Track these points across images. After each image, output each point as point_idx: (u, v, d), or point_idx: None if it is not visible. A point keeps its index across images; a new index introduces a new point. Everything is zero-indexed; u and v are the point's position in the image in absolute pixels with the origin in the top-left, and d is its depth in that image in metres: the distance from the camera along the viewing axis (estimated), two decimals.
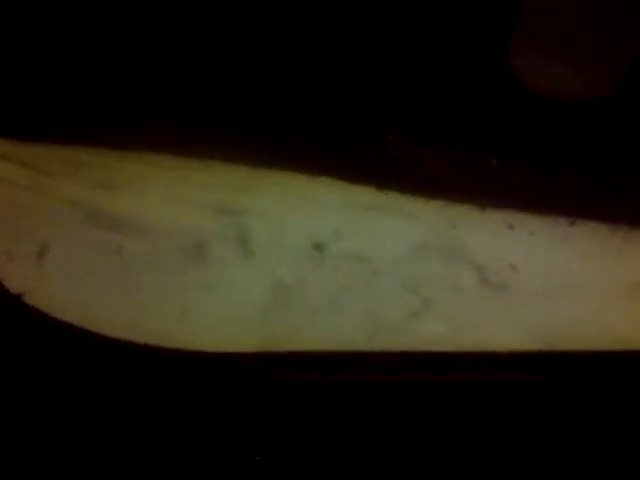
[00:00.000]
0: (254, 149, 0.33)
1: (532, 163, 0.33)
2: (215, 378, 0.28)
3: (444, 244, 0.31)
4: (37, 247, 0.30)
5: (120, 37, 0.37)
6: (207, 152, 0.33)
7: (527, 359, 0.28)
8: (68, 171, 0.33)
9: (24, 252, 0.30)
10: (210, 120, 0.35)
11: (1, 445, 0.27)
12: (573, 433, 0.28)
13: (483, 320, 0.29)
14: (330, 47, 0.36)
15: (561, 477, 0.28)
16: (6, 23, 0.37)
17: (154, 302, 0.29)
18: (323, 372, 0.28)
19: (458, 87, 0.35)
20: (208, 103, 0.35)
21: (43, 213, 0.31)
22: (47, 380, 0.27)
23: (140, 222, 0.31)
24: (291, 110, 0.34)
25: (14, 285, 0.29)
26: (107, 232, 0.31)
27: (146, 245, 0.30)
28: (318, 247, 0.31)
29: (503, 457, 0.27)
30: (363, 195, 0.32)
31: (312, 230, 0.31)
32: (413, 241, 0.31)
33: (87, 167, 0.33)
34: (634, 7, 0.32)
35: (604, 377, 0.28)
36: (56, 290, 0.29)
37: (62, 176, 0.33)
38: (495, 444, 0.28)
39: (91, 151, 0.34)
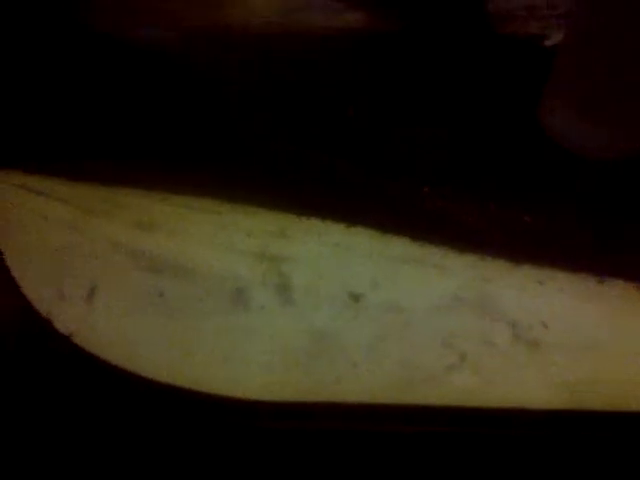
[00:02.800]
0: (293, 196, 0.35)
1: (563, 220, 0.34)
2: (252, 426, 0.29)
3: (477, 298, 0.32)
4: (86, 287, 0.31)
5: (163, 80, 0.38)
6: (247, 197, 0.35)
7: (555, 417, 0.29)
8: (110, 211, 0.34)
9: (73, 292, 0.31)
10: (251, 166, 0.36)
11: None
12: None
13: (515, 376, 0.30)
14: (372, 101, 0.37)
15: None
16: (49, 61, 0.38)
17: (196, 346, 0.30)
18: (360, 423, 0.29)
19: (493, 142, 0.36)
20: (249, 149, 0.36)
21: (89, 253, 0.32)
22: (92, 420, 0.28)
23: (182, 265, 0.32)
24: (331, 160, 0.36)
25: (63, 325, 0.30)
26: (150, 274, 0.32)
27: (188, 289, 0.31)
28: (354, 297, 0.32)
29: None
30: (398, 246, 0.33)
31: (349, 279, 0.32)
32: (447, 294, 0.32)
33: (128, 208, 0.34)
34: None
35: (630, 437, 0.29)
36: (103, 331, 0.30)
37: (104, 216, 0.34)
38: None
39: (132, 192, 0.35)
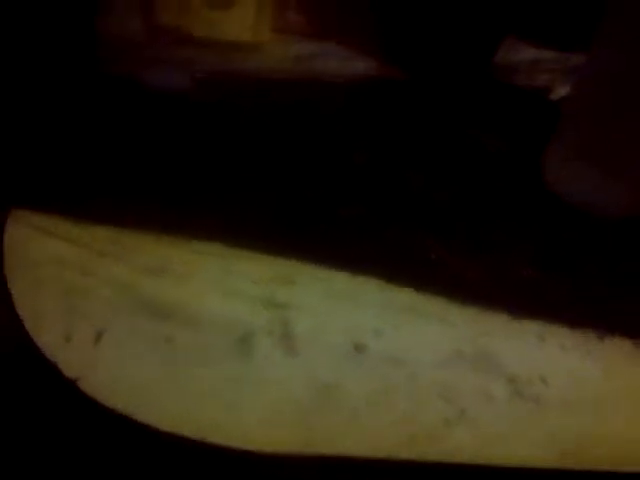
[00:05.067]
0: (301, 243, 0.35)
1: (565, 276, 0.35)
2: (254, 477, 0.29)
3: (477, 352, 0.32)
4: (93, 332, 0.31)
5: (175, 124, 0.39)
6: (255, 243, 0.35)
7: (554, 476, 0.29)
8: (119, 253, 0.34)
9: (81, 336, 0.31)
10: (259, 212, 0.37)
11: None
12: None
13: (513, 432, 0.30)
14: (378, 149, 0.38)
15: None
16: (64, 103, 0.39)
17: (201, 395, 0.30)
18: (360, 477, 0.29)
19: (496, 195, 0.37)
20: (258, 195, 0.37)
21: (96, 296, 0.33)
22: (95, 467, 0.28)
23: (188, 312, 0.33)
24: (338, 208, 0.36)
25: (69, 369, 0.30)
26: (157, 320, 0.32)
27: (194, 336, 0.32)
28: (358, 347, 0.32)
29: None
30: (402, 296, 0.34)
31: (352, 329, 0.33)
32: (448, 347, 0.32)
33: (137, 251, 0.35)
34: None
35: None
36: (109, 377, 0.30)
37: (113, 258, 0.34)
38: None
39: (141, 234, 0.36)
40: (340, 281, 0.34)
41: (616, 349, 0.33)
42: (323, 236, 0.36)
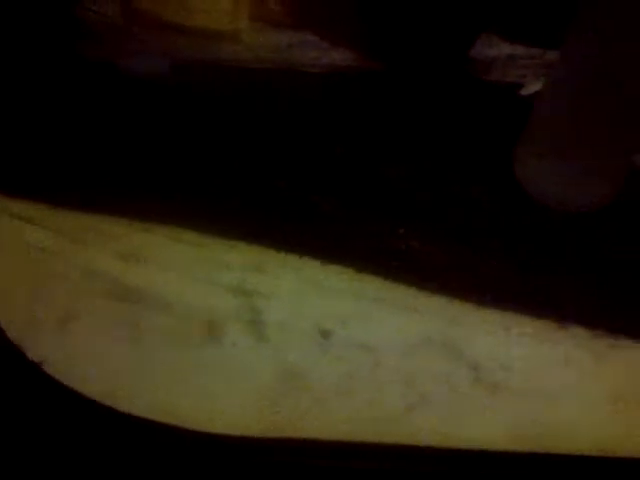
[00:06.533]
0: (273, 231, 0.36)
1: (529, 266, 0.36)
2: (221, 461, 0.29)
3: (444, 340, 0.33)
4: (59, 315, 0.31)
5: (152, 110, 0.39)
6: (228, 230, 0.36)
7: (512, 459, 0.30)
8: (91, 239, 0.35)
9: (46, 319, 0.31)
10: (232, 199, 0.37)
11: None
12: None
13: (473, 418, 0.31)
14: (352, 139, 0.39)
15: None
16: (40, 87, 0.39)
17: (169, 379, 0.31)
18: (325, 460, 0.30)
19: (468, 186, 0.38)
20: (232, 183, 0.37)
21: (66, 281, 0.33)
22: (61, 450, 0.28)
23: (158, 297, 0.33)
24: (310, 197, 0.37)
25: (34, 352, 0.30)
26: (126, 305, 0.33)
27: (163, 321, 0.32)
28: (325, 334, 0.33)
29: None
30: (371, 285, 0.35)
31: (321, 316, 0.33)
32: (415, 335, 0.33)
33: (110, 236, 0.35)
34: (630, 118, 0.35)
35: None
36: (75, 360, 0.30)
37: (84, 243, 0.34)
38: None
39: (115, 220, 0.36)
40: (310, 269, 0.35)
41: (579, 339, 0.34)
42: (295, 225, 0.36)
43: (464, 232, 0.36)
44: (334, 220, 0.37)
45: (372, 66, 0.43)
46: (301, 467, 0.29)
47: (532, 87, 0.42)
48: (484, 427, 0.31)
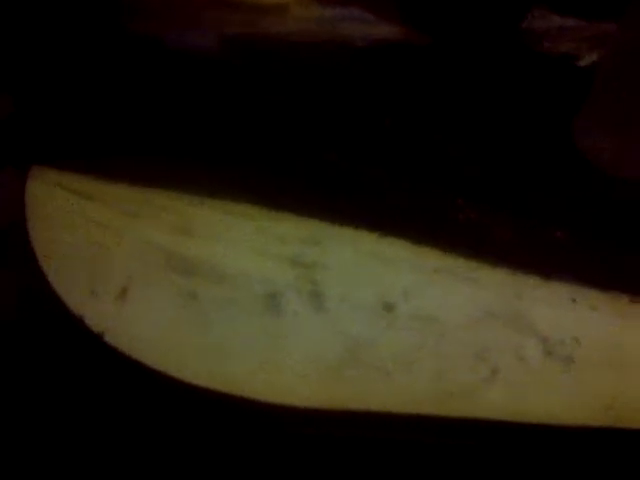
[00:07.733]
0: (328, 204, 0.35)
1: (596, 239, 0.34)
2: (283, 432, 0.28)
3: (509, 313, 0.32)
4: (118, 288, 0.31)
5: (202, 84, 0.39)
6: (283, 204, 0.35)
7: (589, 433, 0.29)
8: (149, 214, 0.34)
9: (106, 292, 0.31)
10: (287, 173, 0.36)
11: None
12: None
13: (546, 390, 0.30)
14: (409, 112, 0.38)
15: None
16: (90, 61, 0.39)
17: (229, 350, 0.30)
18: (389, 432, 0.28)
19: (527, 158, 0.37)
20: (286, 156, 0.37)
21: (124, 254, 0.32)
22: (125, 421, 0.28)
23: (215, 269, 0.32)
24: (366, 169, 0.36)
25: (95, 324, 0.30)
26: (183, 277, 0.32)
27: (222, 292, 0.31)
28: (387, 306, 0.32)
29: None
30: (430, 257, 0.34)
31: (381, 289, 0.32)
32: (479, 307, 0.32)
33: (167, 211, 0.34)
34: None
35: None
36: (135, 331, 0.30)
37: (143, 218, 0.34)
38: None
39: (169, 194, 0.35)
40: (368, 242, 0.34)
41: None
42: (348, 197, 0.35)
43: (525, 203, 0.35)
44: (388, 192, 0.36)
45: (418, 40, 0.42)
46: (365, 440, 0.28)
47: (588, 58, 0.41)
48: (559, 400, 0.29)
